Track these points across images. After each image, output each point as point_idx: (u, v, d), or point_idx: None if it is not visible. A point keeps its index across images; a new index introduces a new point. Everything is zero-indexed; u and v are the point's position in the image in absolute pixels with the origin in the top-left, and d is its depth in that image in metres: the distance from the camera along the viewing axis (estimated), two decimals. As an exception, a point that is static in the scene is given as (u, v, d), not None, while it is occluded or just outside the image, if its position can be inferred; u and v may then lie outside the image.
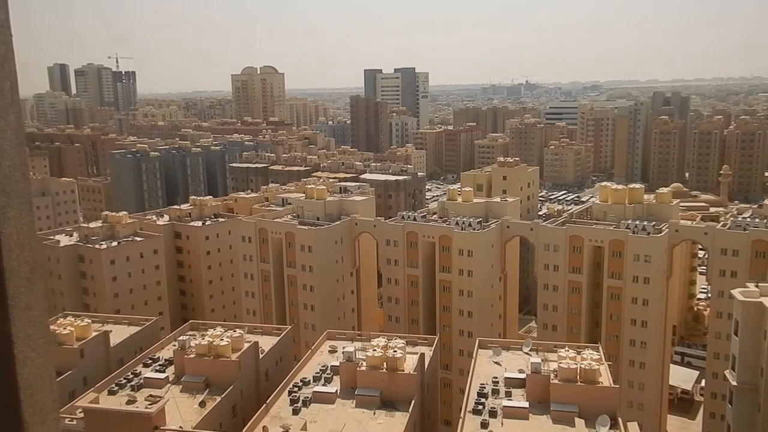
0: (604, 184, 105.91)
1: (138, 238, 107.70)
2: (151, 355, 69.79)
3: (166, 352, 70.15)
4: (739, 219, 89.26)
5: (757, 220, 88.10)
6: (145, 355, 69.80)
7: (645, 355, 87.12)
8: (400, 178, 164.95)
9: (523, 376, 60.36)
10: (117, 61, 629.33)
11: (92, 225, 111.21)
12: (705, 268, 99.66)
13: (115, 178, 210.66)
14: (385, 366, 60.81)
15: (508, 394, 59.17)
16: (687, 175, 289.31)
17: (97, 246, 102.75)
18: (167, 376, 64.53)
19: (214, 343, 64.81)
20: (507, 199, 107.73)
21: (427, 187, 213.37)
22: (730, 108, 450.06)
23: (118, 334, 75.76)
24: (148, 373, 65.12)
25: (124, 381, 63.65)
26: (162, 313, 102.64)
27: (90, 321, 75.00)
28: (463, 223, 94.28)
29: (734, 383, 58.71)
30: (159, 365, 67.34)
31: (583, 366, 57.18)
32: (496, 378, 61.91)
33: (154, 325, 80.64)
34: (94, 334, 71.96)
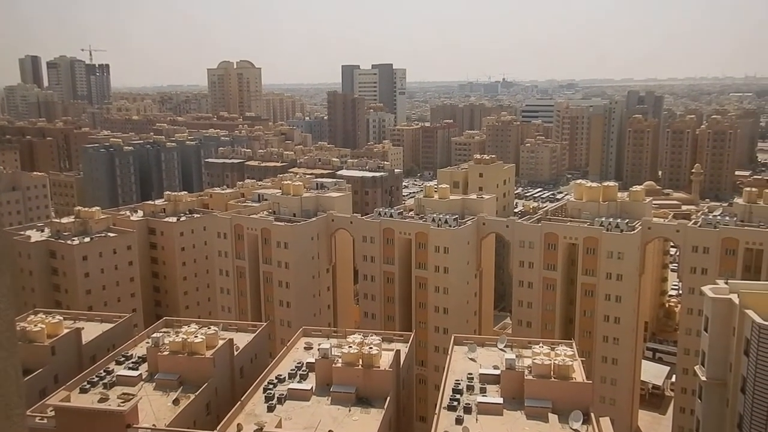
0: (578, 181, 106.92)
1: (111, 234, 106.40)
2: (124, 353, 69.03)
3: (140, 350, 69.45)
4: (710, 217, 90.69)
5: (727, 218, 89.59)
6: (117, 352, 69.00)
7: (617, 351, 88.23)
8: (377, 174, 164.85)
9: (497, 372, 60.77)
10: (90, 54, 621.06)
11: (64, 220, 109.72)
12: (676, 265, 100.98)
13: (87, 173, 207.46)
14: (360, 363, 60.84)
15: (483, 390, 59.55)
16: (660, 173, 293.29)
17: (69, 242, 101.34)
18: (140, 374, 63.85)
19: (189, 340, 64.32)
20: (483, 196, 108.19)
21: (403, 183, 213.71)
22: (702, 107, 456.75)
23: (91, 331, 74.82)
24: (121, 371, 64.38)
25: (97, 379, 62.87)
26: (135, 310, 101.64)
27: (61, 318, 74.05)
28: (440, 219, 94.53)
29: (704, 378, 59.65)
30: (132, 363, 66.66)
31: (556, 362, 57.78)
32: (471, 374, 62.26)
33: (128, 322, 79.79)
34: (66, 331, 71.03)
